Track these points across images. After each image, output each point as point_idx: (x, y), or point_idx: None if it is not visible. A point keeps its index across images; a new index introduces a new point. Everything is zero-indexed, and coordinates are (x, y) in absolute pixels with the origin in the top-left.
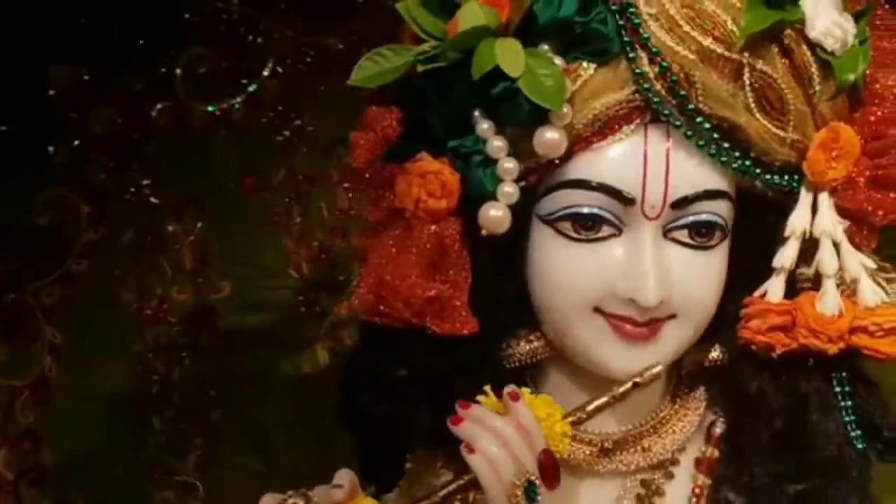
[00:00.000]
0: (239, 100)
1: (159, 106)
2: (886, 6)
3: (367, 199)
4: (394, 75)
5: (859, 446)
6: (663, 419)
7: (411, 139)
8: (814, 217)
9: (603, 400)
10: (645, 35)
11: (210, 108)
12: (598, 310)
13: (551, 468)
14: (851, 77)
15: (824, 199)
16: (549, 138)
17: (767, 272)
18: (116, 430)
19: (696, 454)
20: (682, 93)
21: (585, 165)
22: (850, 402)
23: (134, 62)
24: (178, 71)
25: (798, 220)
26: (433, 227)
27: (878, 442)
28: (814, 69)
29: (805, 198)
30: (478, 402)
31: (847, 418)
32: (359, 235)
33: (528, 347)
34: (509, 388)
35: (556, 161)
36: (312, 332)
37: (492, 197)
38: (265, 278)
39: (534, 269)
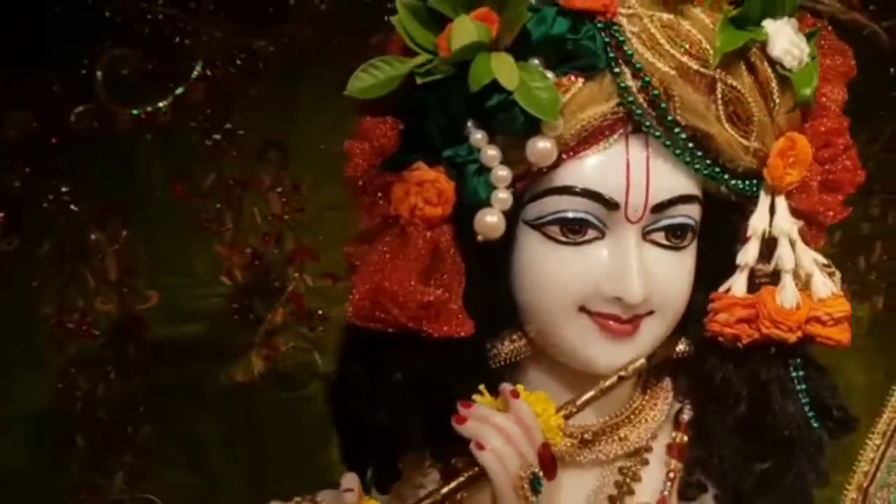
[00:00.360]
0: (166, 103)
1: (79, 109)
2: (829, 27)
3: (361, 208)
4: (389, 87)
5: (815, 426)
6: (637, 409)
7: (408, 149)
8: (772, 218)
9: (591, 394)
10: (629, 52)
11: (135, 112)
12: (583, 309)
13: (550, 460)
14: (808, 91)
15: (781, 202)
16: (542, 147)
17: (728, 269)
18: (37, 449)
19: (667, 440)
20: (663, 105)
21: (572, 173)
22: (804, 386)
23: (51, 62)
24: (99, 72)
25: (758, 221)
26: (429, 234)
27: (830, 421)
28: (774, 84)
29: (764, 201)
30: (474, 402)
31: (803, 400)
32: (347, 243)
33: (511, 347)
34: (508, 386)
35: (544, 169)
36: (246, 340)
37: (486, 203)
38: (196, 286)
39: (522, 272)
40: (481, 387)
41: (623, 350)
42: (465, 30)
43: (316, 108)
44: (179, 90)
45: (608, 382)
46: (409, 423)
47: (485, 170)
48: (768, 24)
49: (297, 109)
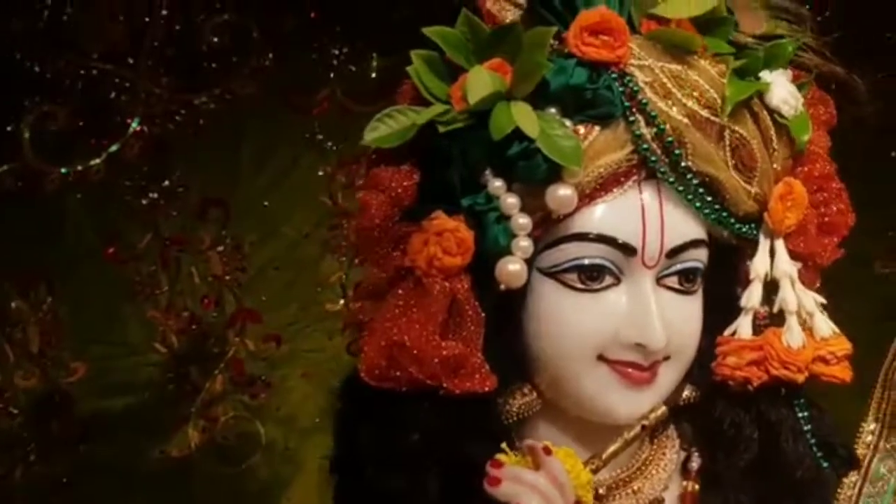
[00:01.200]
0: (98, 160)
1: (3, 168)
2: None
3: (372, 261)
4: (405, 136)
5: (824, 465)
6: (646, 460)
7: (425, 199)
8: (772, 261)
9: (617, 446)
10: (644, 101)
11: (63, 171)
12: (601, 358)
13: None
14: (806, 138)
15: (780, 245)
16: (563, 195)
17: (728, 313)
18: None
19: (677, 491)
20: (677, 152)
21: (589, 219)
22: (810, 427)
23: None
24: (26, 129)
25: (761, 264)
26: (447, 285)
27: (836, 459)
28: (773, 132)
29: (764, 244)
30: (501, 462)
31: (811, 441)
32: (355, 298)
33: (521, 402)
34: (537, 443)
35: (561, 216)
36: (182, 411)
37: (506, 252)
38: (128, 356)
39: (538, 321)
40: (504, 445)
41: (642, 398)
42: (481, 80)
43: (259, 164)
44: (114, 147)
45: (633, 433)
46: (428, 487)
47: (504, 218)
48: (766, 75)
49: (240, 166)
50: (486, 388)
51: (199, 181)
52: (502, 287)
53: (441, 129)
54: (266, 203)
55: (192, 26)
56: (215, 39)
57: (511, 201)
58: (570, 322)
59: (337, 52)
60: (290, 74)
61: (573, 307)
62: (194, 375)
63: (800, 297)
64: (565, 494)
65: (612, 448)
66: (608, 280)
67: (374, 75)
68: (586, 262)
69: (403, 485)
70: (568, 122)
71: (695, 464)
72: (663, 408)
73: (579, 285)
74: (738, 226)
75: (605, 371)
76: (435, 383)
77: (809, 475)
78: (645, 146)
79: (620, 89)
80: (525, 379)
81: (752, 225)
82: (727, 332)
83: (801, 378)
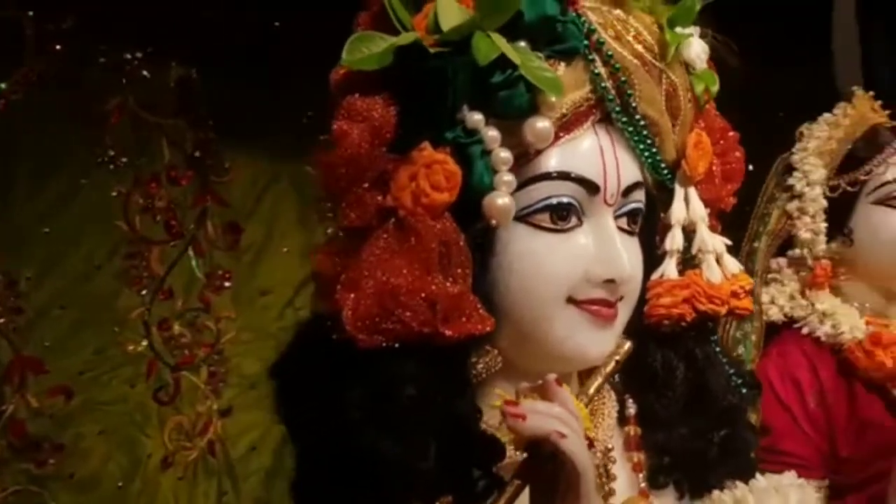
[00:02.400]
0: None
1: None
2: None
3: (348, 201)
4: (383, 60)
5: (743, 390)
6: (593, 410)
7: (409, 130)
8: (687, 207)
9: (598, 381)
10: (600, 40)
11: None
12: (570, 300)
13: (593, 446)
14: (715, 88)
15: (692, 192)
16: (542, 127)
17: (648, 259)
18: None
19: (621, 438)
20: (629, 93)
21: (556, 159)
22: (725, 358)
23: None
24: None
25: (679, 210)
26: (437, 224)
27: (746, 383)
28: (688, 83)
29: (679, 191)
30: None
31: (729, 370)
32: (318, 250)
33: (485, 360)
34: (552, 376)
35: (532, 154)
36: None
37: (490, 188)
38: None
39: (510, 266)
40: (499, 391)
41: (608, 336)
42: (451, 9)
43: (37, 185)
44: None
45: (608, 368)
46: (426, 448)
47: (485, 153)
48: (683, 30)
49: (13, 187)
50: (487, 329)
51: None
52: (493, 223)
53: (432, 49)
54: (47, 230)
55: None
56: None
57: (492, 134)
58: (543, 264)
59: (130, 56)
60: (74, 80)
61: (545, 249)
62: None
63: (711, 240)
64: (580, 422)
65: (595, 384)
66: (573, 221)
67: (172, 84)
68: (556, 201)
69: (402, 449)
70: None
71: (632, 409)
72: (628, 343)
73: (550, 225)
74: (665, 171)
75: (575, 312)
76: (430, 330)
77: (734, 401)
78: (603, 85)
79: (581, 27)
80: (487, 338)
81: (671, 172)
82: (655, 276)
83: (723, 311)
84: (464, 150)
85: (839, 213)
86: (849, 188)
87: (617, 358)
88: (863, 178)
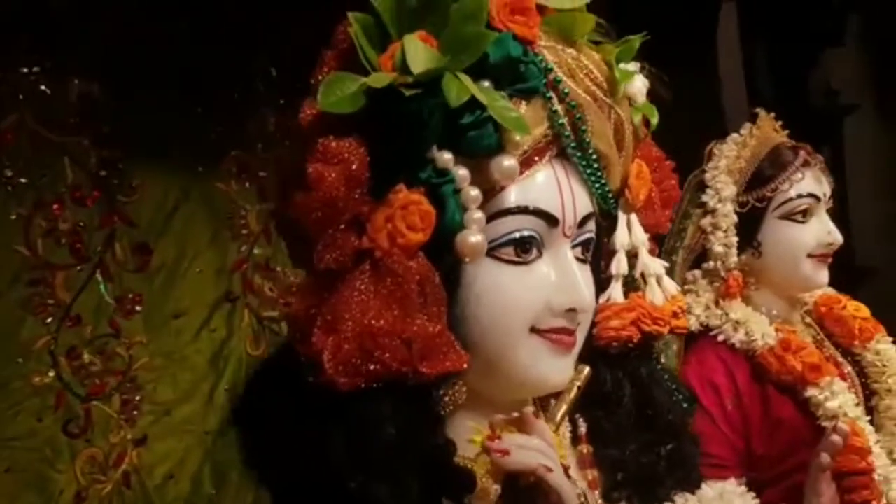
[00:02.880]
0: None
1: None
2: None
3: (323, 244)
4: (356, 103)
5: (684, 404)
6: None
7: (382, 172)
8: (630, 233)
9: (564, 409)
10: (557, 79)
11: None
12: (532, 330)
13: (565, 472)
14: (655, 121)
15: (634, 219)
16: (508, 165)
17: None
18: None
19: (574, 457)
20: (583, 128)
21: (518, 194)
22: (665, 374)
23: None
24: None
25: (623, 236)
26: (413, 264)
27: (685, 397)
28: (630, 115)
29: (622, 218)
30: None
31: (671, 386)
32: (294, 295)
33: (451, 392)
34: (527, 409)
35: (499, 190)
36: None
37: (461, 226)
38: None
39: (476, 299)
40: (479, 426)
41: (568, 364)
42: (418, 50)
43: None
44: None
45: (572, 395)
46: (410, 487)
47: (456, 191)
48: (626, 66)
49: None
50: (462, 367)
51: None
52: (466, 260)
53: (406, 92)
54: None
55: None
56: None
57: (462, 173)
58: (507, 296)
59: (27, 70)
60: None
61: (510, 281)
62: None
63: (650, 263)
64: (555, 453)
65: (561, 411)
66: (534, 253)
67: (74, 100)
68: (519, 234)
69: (390, 489)
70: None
71: (582, 428)
72: (587, 368)
73: (515, 258)
74: (611, 201)
75: (538, 342)
76: (408, 370)
77: (678, 415)
78: (560, 122)
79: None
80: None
81: (616, 201)
82: (602, 299)
83: (666, 331)
84: (436, 190)
85: (747, 227)
86: (757, 204)
87: (578, 384)
88: (769, 194)
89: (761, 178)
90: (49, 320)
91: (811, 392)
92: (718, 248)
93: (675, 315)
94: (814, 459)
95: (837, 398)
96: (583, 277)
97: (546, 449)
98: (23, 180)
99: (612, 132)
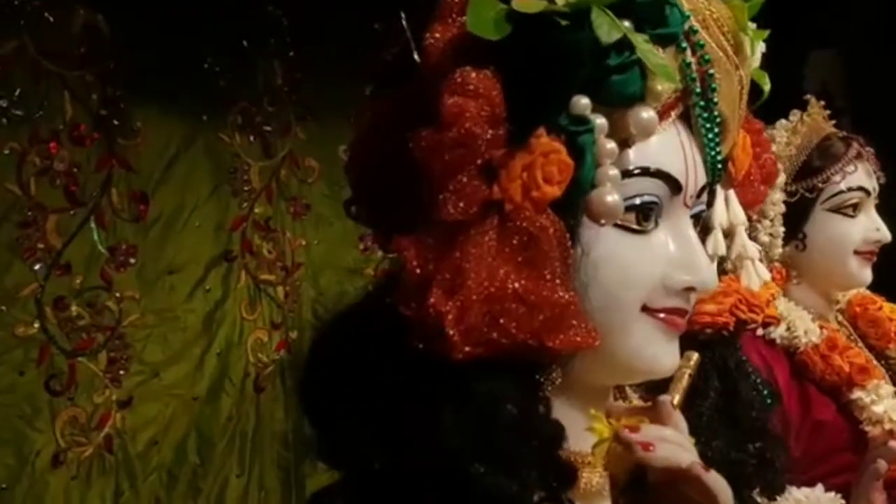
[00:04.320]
0: None
1: None
2: None
3: (449, 191)
4: (503, 29)
5: (769, 402)
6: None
7: (519, 113)
8: (728, 210)
9: (678, 398)
10: (694, 28)
11: None
12: (643, 308)
13: None
14: (767, 88)
15: (731, 195)
16: (648, 118)
17: None
18: None
19: None
20: (713, 87)
21: (645, 154)
22: (751, 368)
23: None
24: None
25: (721, 213)
26: (546, 221)
27: (771, 395)
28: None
29: (720, 193)
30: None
31: (757, 381)
32: (410, 248)
33: (548, 375)
34: (665, 398)
35: (632, 144)
36: None
37: (591, 183)
38: None
39: (591, 273)
40: (594, 412)
41: (675, 347)
42: None
43: None
44: None
45: (684, 383)
46: (531, 479)
47: (593, 144)
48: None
49: None
50: (595, 344)
51: None
52: (602, 223)
53: (562, 21)
54: None
55: None
56: None
57: (601, 122)
58: (628, 268)
59: None
60: None
61: (630, 252)
62: None
63: (746, 245)
64: (693, 449)
65: (676, 400)
66: (653, 223)
67: (78, 31)
68: (644, 199)
69: (513, 481)
70: None
71: None
72: (696, 354)
73: (636, 226)
74: (719, 172)
75: (649, 321)
76: (534, 342)
77: (763, 414)
78: (693, 76)
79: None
80: None
81: (721, 173)
82: None
83: (760, 320)
84: (574, 140)
85: (794, 219)
86: (807, 194)
87: (689, 372)
88: (820, 185)
89: (812, 167)
90: (37, 266)
91: (857, 394)
92: (764, 238)
93: (767, 303)
94: (867, 465)
95: (883, 402)
96: (704, 253)
97: (687, 444)
98: (18, 112)
99: (737, 95)
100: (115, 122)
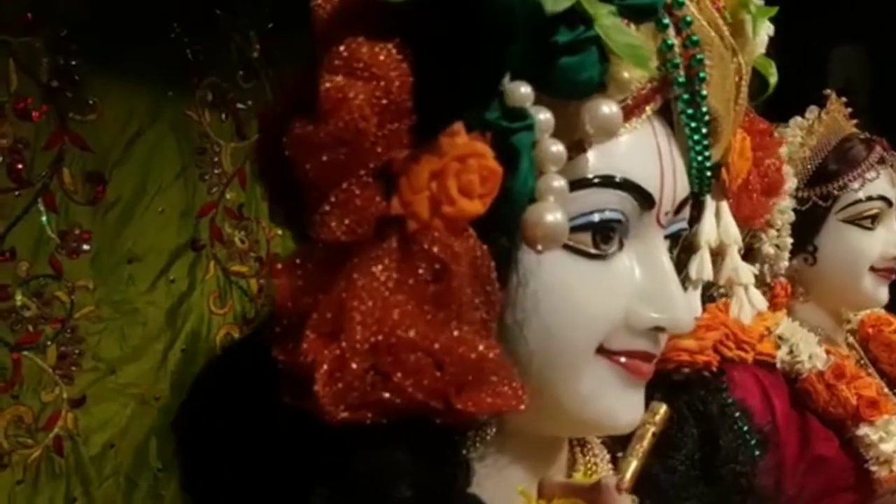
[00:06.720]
0: None
1: None
2: None
3: (332, 202)
4: None
5: (756, 452)
6: (585, 471)
7: (430, 104)
8: (718, 226)
9: (635, 464)
10: (680, 0)
11: None
12: (600, 350)
13: None
14: (774, 80)
15: (724, 207)
16: (608, 114)
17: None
18: None
19: None
20: (701, 75)
21: (608, 159)
22: (738, 413)
23: None
24: None
25: (709, 229)
26: (461, 246)
27: (761, 443)
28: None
29: (710, 206)
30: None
31: (743, 428)
32: (280, 273)
33: (477, 429)
34: (612, 478)
35: (589, 148)
36: None
37: (530, 196)
38: None
39: (532, 305)
40: (520, 488)
41: (639, 399)
42: None
43: None
44: None
45: (645, 444)
46: None
47: (532, 145)
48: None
49: None
50: (519, 408)
51: None
52: (538, 248)
53: None
54: None
55: None
56: None
57: (544, 118)
58: (577, 302)
59: None
60: None
61: (583, 281)
62: None
63: (739, 269)
64: None
65: (631, 468)
66: (615, 245)
67: None
68: (605, 216)
69: None
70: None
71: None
72: (664, 407)
73: (592, 250)
74: (707, 181)
75: (605, 366)
76: (438, 404)
77: (747, 465)
78: (675, 62)
79: None
80: None
81: (710, 183)
82: None
83: (750, 358)
84: (505, 140)
85: (804, 229)
86: (820, 202)
87: (653, 429)
88: (836, 192)
89: (827, 172)
90: None
91: (864, 430)
92: (769, 250)
93: (761, 338)
94: None
95: (894, 440)
96: (679, 285)
97: None
98: None
99: (732, 87)
100: (68, 95)
